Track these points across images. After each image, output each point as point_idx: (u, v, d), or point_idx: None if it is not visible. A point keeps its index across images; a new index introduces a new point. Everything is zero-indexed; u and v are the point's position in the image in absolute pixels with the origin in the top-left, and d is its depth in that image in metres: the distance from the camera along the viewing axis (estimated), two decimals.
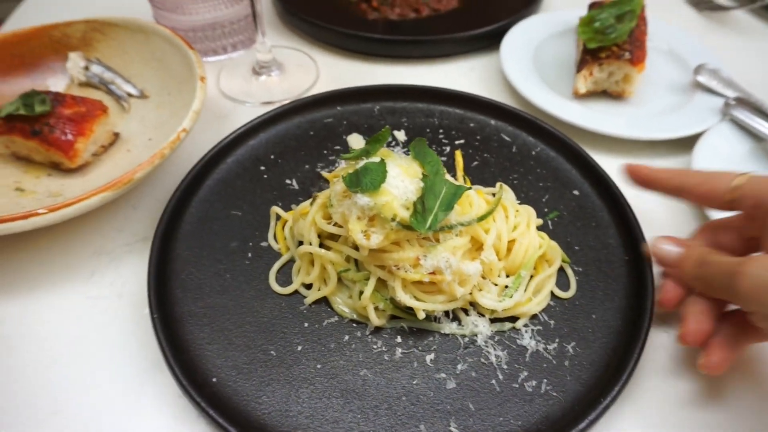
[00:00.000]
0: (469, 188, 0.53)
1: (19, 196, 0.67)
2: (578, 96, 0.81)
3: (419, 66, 0.91)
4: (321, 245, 0.57)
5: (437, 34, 0.90)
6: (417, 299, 0.53)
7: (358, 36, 0.90)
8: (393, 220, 0.50)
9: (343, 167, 0.64)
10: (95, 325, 0.57)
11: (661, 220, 0.68)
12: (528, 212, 0.60)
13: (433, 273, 0.51)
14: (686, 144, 0.74)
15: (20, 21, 1.00)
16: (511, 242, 0.57)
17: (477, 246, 0.56)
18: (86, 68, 0.79)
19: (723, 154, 0.71)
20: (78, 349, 0.55)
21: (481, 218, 0.54)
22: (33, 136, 0.66)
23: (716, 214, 0.62)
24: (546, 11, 0.97)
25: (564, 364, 0.52)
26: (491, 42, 0.92)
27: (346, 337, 0.54)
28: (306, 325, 0.55)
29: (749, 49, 0.94)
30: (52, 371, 0.54)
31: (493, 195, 0.61)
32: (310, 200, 0.60)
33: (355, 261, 0.56)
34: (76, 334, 0.57)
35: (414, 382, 0.51)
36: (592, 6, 0.88)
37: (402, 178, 0.52)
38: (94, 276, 0.62)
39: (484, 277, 0.55)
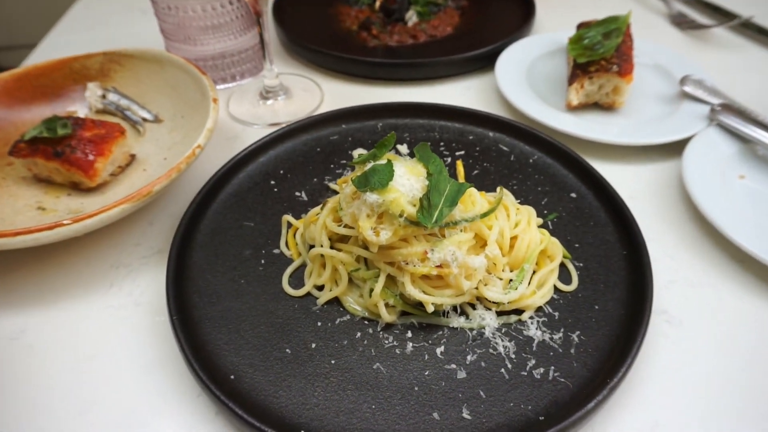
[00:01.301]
0: (470, 185, 0.56)
1: (42, 215, 0.70)
2: (571, 108, 0.84)
3: (419, 87, 0.95)
4: (332, 248, 0.60)
5: (435, 57, 0.95)
6: (426, 294, 0.55)
7: (359, 61, 0.95)
8: (401, 216, 0.52)
9: (351, 173, 0.67)
10: (115, 332, 0.60)
11: (654, 216, 0.70)
12: (528, 211, 0.63)
13: (440, 266, 0.53)
14: (677, 148, 0.77)
15: (41, 56, 1.06)
16: (514, 238, 0.60)
17: (481, 243, 0.58)
18: (103, 96, 0.84)
19: (712, 156, 0.74)
20: (99, 354, 0.57)
21: (484, 215, 0.56)
22: (55, 157, 0.70)
23: (708, 210, 0.65)
24: (537, 33, 1.02)
25: (570, 352, 0.54)
26: (486, 63, 0.96)
27: (359, 334, 0.56)
28: (319, 324, 0.57)
29: (729, 62, 0.98)
30: (75, 375, 0.56)
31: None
32: (320, 206, 0.63)
33: (365, 261, 0.58)
34: (97, 339, 0.59)
35: (426, 374, 0.53)
36: (579, 26, 0.93)
37: (408, 177, 0.55)
38: (113, 287, 0.64)
39: (489, 272, 0.58)
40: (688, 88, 0.84)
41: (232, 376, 0.53)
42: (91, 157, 0.70)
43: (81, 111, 0.84)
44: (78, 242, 0.69)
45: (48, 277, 0.65)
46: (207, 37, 0.89)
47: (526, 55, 0.95)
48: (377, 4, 1.07)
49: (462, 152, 0.77)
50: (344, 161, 0.76)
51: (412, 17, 1.05)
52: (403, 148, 0.77)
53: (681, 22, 1.09)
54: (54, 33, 1.15)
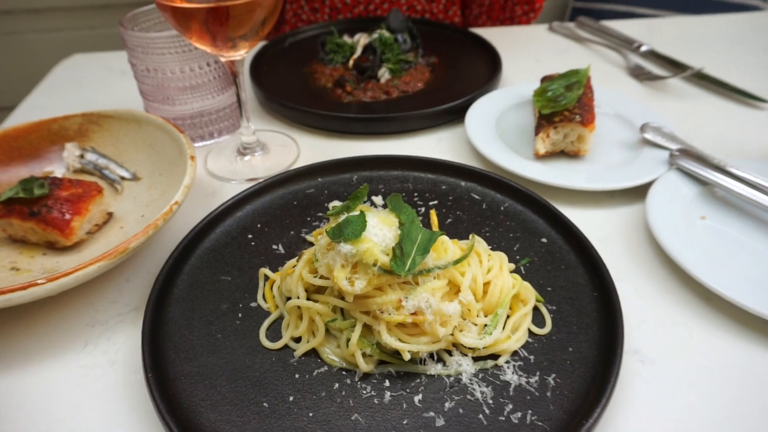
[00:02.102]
0: (442, 233, 0.58)
1: (15, 275, 0.69)
2: (539, 156, 0.88)
3: (392, 141, 0.98)
4: (308, 300, 0.60)
5: (407, 111, 0.98)
6: (402, 341, 0.55)
7: (334, 117, 0.98)
8: (374, 265, 0.54)
9: (325, 225, 0.68)
10: (89, 392, 0.59)
11: (622, 258, 0.72)
12: (500, 257, 0.65)
13: (415, 314, 0.54)
14: (640, 192, 0.81)
15: (20, 117, 1.07)
16: (487, 284, 0.61)
17: (455, 289, 0.59)
18: (81, 156, 0.85)
19: (674, 199, 0.77)
20: (72, 416, 0.56)
21: (456, 262, 0.58)
22: (31, 217, 0.70)
23: (673, 251, 0.68)
24: (504, 86, 1.07)
25: (546, 395, 0.54)
26: (456, 116, 1.00)
27: (336, 385, 0.56)
28: (297, 376, 0.57)
29: (685, 110, 1.04)
30: None
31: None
32: (296, 258, 0.64)
33: (341, 311, 0.59)
34: (70, 401, 0.58)
35: (404, 422, 0.53)
36: (543, 79, 0.98)
37: (381, 227, 0.56)
38: (87, 346, 0.64)
39: (464, 318, 0.59)
40: (648, 135, 0.89)
41: None
42: (67, 216, 0.70)
43: (59, 171, 0.85)
44: (53, 301, 0.68)
45: (20, 337, 0.64)
46: (185, 97, 0.92)
47: (494, 108, 1.00)
48: (351, 62, 1.12)
49: (435, 202, 0.79)
50: (320, 214, 0.78)
51: (384, 74, 1.09)
52: (378, 200, 0.79)
53: (639, 74, 1.16)
54: (34, 94, 1.18)
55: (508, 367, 0.57)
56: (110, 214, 0.78)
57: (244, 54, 0.81)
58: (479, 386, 0.55)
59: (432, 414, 0.53)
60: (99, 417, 0.56)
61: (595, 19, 1.42)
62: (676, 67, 1.17)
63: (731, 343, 0.62)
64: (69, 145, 0.86)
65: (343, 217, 0.58)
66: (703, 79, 1.12)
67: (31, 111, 1.11)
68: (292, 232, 0.75)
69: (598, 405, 0.51)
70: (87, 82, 1.21)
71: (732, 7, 2.07)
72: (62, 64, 1.30)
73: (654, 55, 1.22)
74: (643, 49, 1.25)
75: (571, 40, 1.34)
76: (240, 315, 0.64)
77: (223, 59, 0.81)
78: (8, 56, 2.41)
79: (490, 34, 1.33)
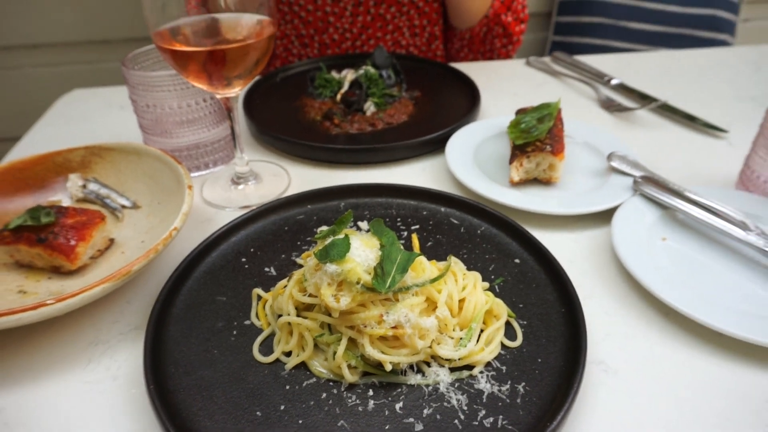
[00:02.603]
0: (420, 254, 0.64)
1: (23, 297, 0.74)
2: (514, 184, 0.94)
3: (378, 170, 1.04)
4: (298, 317, 0.65)
5: (391, 142, 1.05)
6: (384, 354, 0.60)
7: (323, 147, 1.04)
8: (358, 283, 0.59)
9: (314, 248, 0.74)
10: (93, 406, 0.63)
11: (590, 277, 0.78)
12: (474, 276, 0.70)
13: (395, 327, 0.59)
14: (606, 216, 0.87)
15: (24, 149, 1.12)
16: (462, 301, 0.66)
17: (432, 306, 0.65)
18: (84, 186, 0.90)
19: (637, 222, 0.83)
20: (77, 428, 0.60)
21: (434, 280, 0.63)
22: (38, 244, 0.75)
23: (636, 270, 0.73)
24: (482, 119, 1.14)
25: (517, 402, 0.59)
26: (437, 146, 1.07)
27: (324, 395, 0.61)
28: (287, 387, 0.62)
29: (650, 138, 1.11)
30: None
31: None
32: (287, 279, 0.69)
33: (329, 326, 0.64)
34: (76, 415, 0.62)
35: (386, 428, 0.57)
36: (518, 112, 1.05)
37: (363, 249, 0.62)
38: (91, 363, 0.68)
39: (441, 332, 0.64)
40: (614, 163, 0.96)
41: None
42: (72, 242, 0.75)
43: (63, 200, 0.90)
44: (57, 322, 0.72)
45: (27, 357, 0.69)
46: (182, 130, 0.98)
47: (473, 138, 1.06)
48: (338, 96, 1.19)
49: (417, 226, 0.85)
50: (310, 238, 0.83)
51: (370, 107, 1.16)
52: (364, 225, 0.85)
53: (609, 106, 1.23)
54: (36, 127, 1.23)
55: (482, 377, 0.62)
56: (112, 240, 0.83)
57: (238, 91, 0.87)
58: (455, 394, 0.60)
59: (412, 420, 0.58)
60: (102, 428, 0.60)
61: (573, 52, 1.51)
62: (643, 99, 1.25)
63: (689, 355, 0.67)
64: (72, 176, 0.91)
65: (329, 240, 0.63)
66: (669, 111, 1.19)
67: (34, 143, 1.16)
68: (283, 256, 0.80)
69: (562, 408, 0.56)
70: (87, 116, 1.27)
71: (703, 42, 2.18)
72: (63, 99, 1.36)
73: (624, 88, 1.31)
74: (614, 82, 1.33)
75: (547, 73, 1.42)
76: (234, 332, 0.68)
77: (218, 96, 0.87)
78: (9, 90, 2.47)
79: (471, 68, 1.42)
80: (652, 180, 0.89)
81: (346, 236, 0.62)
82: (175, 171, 0.85)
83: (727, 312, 0.68)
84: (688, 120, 1.16)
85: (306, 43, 1.54)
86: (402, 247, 0.65)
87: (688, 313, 0.68)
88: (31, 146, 1.15)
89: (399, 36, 1.54)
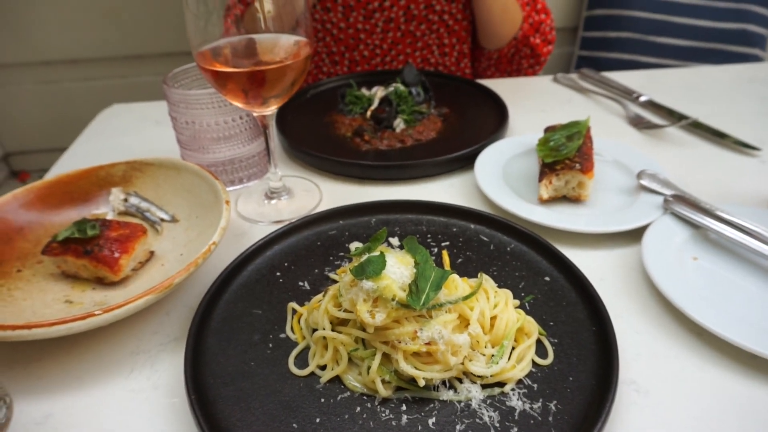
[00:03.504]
0: (453, 272, 0.65)
1: (69, 307, 0.77)
2: (542, 201, 0.95)
3: (407, 186, 1.06)
4: (333, 331, 0.67)
5: (421, 159, 1.07)
6: (417, 369, 0.62)
7: (353, 164, 1.07)
8: (393, 300, 0.61)
9: (349, 264, 0.76)
10: (135, 414, 0.65)
11: (620, 296, 0.78)
12: (506, 294, 0.71)
13: (428, 344, 0.61)
14: (637, 234, 0.87)
15: (66, 164, 1.17)
16: (493, 318, 0.67)
17: (465, 322, 0.66)
18: (125, 200, 0.94)
19: (668, 241, 0.83)
20: None
21: (466, 297, 0.65)
22: (84, 255, 0.78)
23: (667, 289, 0.73)
24: (511, 136, 1.16)
25: (548, 420, 0.60)
26: (466, 163, 1.08)
27: (358, 409, 0.62)
28: (323, 400, 0.64)
29: (681, 157, 1.11)
30: None
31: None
32: (322, 294, 0.71)
33: (363, 341, 0.65)
34: (119, 420, 0.64)
35: None
36: (547, 129, 1.06)
37: (398, 266, 0.63)
38: (133, 372, 0.71)
39: (473, 349, 0.65)
40: (644, 182, 0.96)
41: None
42: (116, 255, 0.78)
43: (106, 213, 0.94)
44: (101, 332, 0.75)
45: (72, 365, 0.72)
46: (219, 146, 1.01)
47: (501, 155, 1.08)
48: (368, 113, 1.21)
49: (447, 243, 0.86)
50: (342, 253, 0.85)
51: (399, 124, 1.18)
52: (395, 241, 0.87)
53: (638, 123, 1.24)
54: (79, 141, 1.28)
55: (513, 394, 0.63)
56: (152, 253, 0.86)
57: (274, 109, 0.90)
58: (487, 411, 0.61)
59: None
60: None
61: (600, 68, 1.52)
62: (673, 116, 1.25)
63: (720, 376, 0.67)
64: (115, 189, 0.95)
65: (365, 257, 0.65)
66: (699, 128, 1.19)
67: (76, 157, 1.21)
68: (316, 270, 0.82)
69: (594, 428, 0.56)
70: (125, 130, 1.32)
71: (734, 57, 2.16)
72: (103, 113, 1.41)
73: (653, 105, 1.31)
74: (642, 99, 1.33)
75: (574, 90, 1.43)
76: (270, 345, 0.70)
77: (255, 114, 0.90)
78: (49, 103, 2.56)
79: (498, 85, 1.43)
80: (682, 199, 0.89)
81: (382, 253, 0.64)
82: (213, 186, 0.88)
83: (762, 333, 0.68)
84: (719, 137, 1.15)
85: (336, 60, 1.57)
86: (434, 264, 0.67)
87: (721, 333, 0.67)
88: (74, 159, 1.20)
89: (428, 53, 1.56)
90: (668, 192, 0.93)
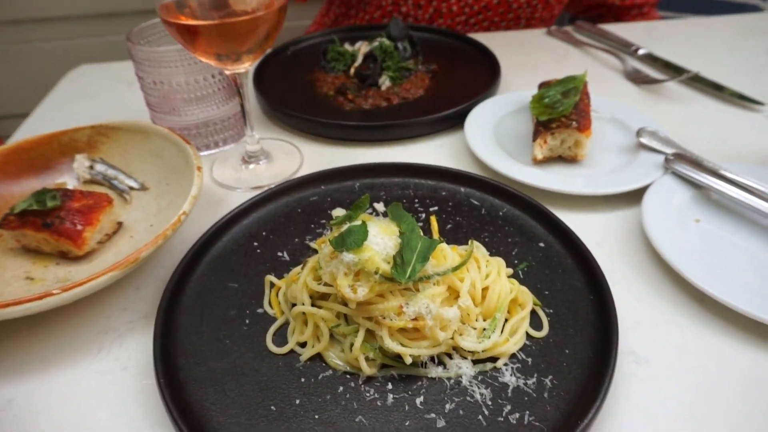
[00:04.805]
0: (442, 242, 0.60)
1: (30, 284, 0.72)
2: (537, 162, 0.90)
3: (393, 147, 1.00)
4: (313, 306, 0.62)
5: (407, 118, 1.00)
6: (403, 346, 0.58)
7: (336, 124, 1.00)
8: (376, 273, 0.56)
9: (329, 234, 0.71)
10: (103, 396, 0.61)
11: (618, 262, 0.74)
12: (498, 262, 0.67)
13: (415, 319, 0.56)
14: (636, 196, 0.82)
15: (29, 130, 1.10)
16: (485, 289, 0.63)
17: (454, 295, 0.61)
18: (91, 167, 0.87)
19: (669, 203, 0.79)
20: (87, 420, 0.58)
21: (455, 268, 0.60)
22: (44, 228, 0.72)
23: (668, 254, 0.69)
24: (502, 93, 1.09)
25: (543, 396, 0.56)
26: (456, 122, 1.02)
27: (341, 388, 0.58)
28: (302, 380, 0.59)
29: (681, 113, 1.06)
30: None
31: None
32: (301, 266, 0.66)
33: (345, 316, 0.61)
34: (86, 405, 0.60)
35: (406, 424, 0.55)
36: (541, 86, 0.99)
37: (381, 236, 0.58)
38: (101, 352, 0.66)
39: (463, 323, 0.61)
40: (644, 140, 0.90)
41: None
42: (79, 227, 0.73)
43: (69, 182, 0.88)
44: (66, 310, 0.70)
45: (35, 346, 0.67)
46: (191, 107, 0.94)
47: (493, 114, 1.02)
48: (352, 70, 1.14)
49: (435, 208, 0.81)
50: (324, 221, 0.80)
51: (385, 82, 1.11)
52: (380, 206, 0.82)
53: (636, 78, 1.17)
54: (43, 105, 1.20)
55: (506, 370, 0.59)
56: (120, 224, 0.80)
57: (248, 67, 0.83)
58: (478, 388, 0.57)
59: (433, 415, 0.55)
60: (113, 420, 0.58)
61: (596, 21, 1.44)
62: (673, 70, 1.19)
63: (723, 344, 0.64)
64: (79, 156, 0.88)
65: (345, 226, 0.60)
66: (700, 82, 1.13)
67: (40, 122, 1.14)
68: (296, 240, 0.77)
69: (593, 405, 0.53)
70: (94, 93, 1.24)
71: (733, 8, 2.08)
72: (69, 75, 1.33)
73: (651, 59, 1.24)
74: (641, 52, 1.26)
75: (569, 44, 1.35)
76: (247, 321, 0.66)
77: (227, 72, 0.83)
78: (20, 65, 2.44)
79: (490, 39, 1.35)
80: (684, 157, 0.84)
81: (364, 223, 0.59)
82: (184, 151, 0.82)
83: (766, 298, 0.64)
84: (721, 92, 1.10)
85: (421, 5, 1.44)
86: (421, 232, 0.62)
87: (724, 299, 0.64)
88: (37, 125, 1.12)
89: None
90: (669, 150, 0.88)
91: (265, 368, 0.61)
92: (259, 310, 0.67)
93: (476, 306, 0.62)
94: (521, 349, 0.61)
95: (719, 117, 1.05)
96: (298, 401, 0.57)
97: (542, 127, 0.89)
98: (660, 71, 1.21)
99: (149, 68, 0.90)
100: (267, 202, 0.82)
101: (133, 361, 0.65)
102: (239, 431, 0.54)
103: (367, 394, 0.58)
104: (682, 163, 0.83)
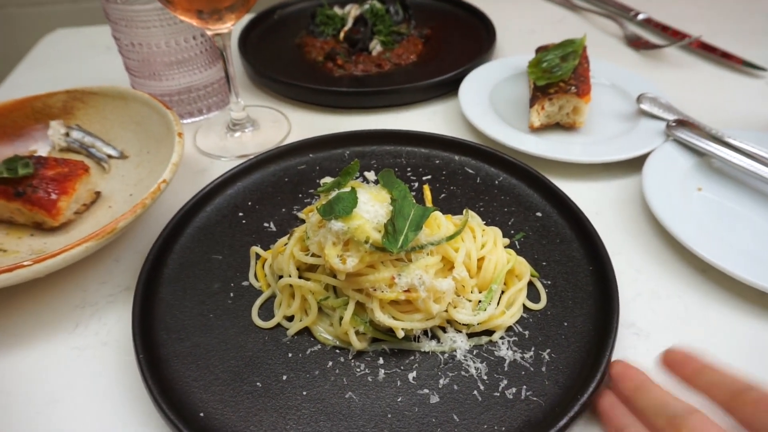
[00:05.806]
0: (435, 209, 0.57)
1: (2, 256, 0.68)
2: (534, 129, 0.86)
3: (385, 115, 0.96)
4: (300, 278, 0.59)
5: (400, 84, 0.96)
6: (395, 319, 0.55)
7: (325, 91, 0.96)
8: (366, 242, 0.53)
9: (317, 202, 0.67)
10: (81, 373, 0.58)
11: (618, 231, 0.72)
12: (494, 232, 0.64)
13: (408, 291, 0.54)
14: (636, 164, 0.79)
15: (2, 96, 1.04)
16: (481, 260, 0.60)
17: (449, 266, 0.59)
18: (67, 134, 0.83)
19: (670, 170, 0.76)
20: (65, 397, 0.56)
21: (450, 238, 0.57)
22: (16, 198, 0.68)
23: (669, 223, 0.67)
24: (498, 58, 1.05)
25: (541, 370, 0.54)
26: (450, 88, 0.98)
27: (330, 363, 0.56)
28: (290, 355, 0.57)
29: (682, 79, 1.02)
30: (39, 421, 0.54)
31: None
32: (288, 236, 0.63)
33: (334, 288, 0.58)
34: (63, 383, 0.57)
35: (398, 400, 0.52)
36: (538, 50, 0.95)
37: (372, 203, 0.55)
38: (78, 327, 0.63)
39: (458, 294, 0.58)
40: (645, 106, 0.87)
41: (201, 414, 0.51)
42: (53, 196, 0.69)
43: (44, 150, 0.83)
44: (41, 283, 0.67)
45: (9, 320, 0.64)
46: (172, 72, 0.90)
47: (488, 80, 0.98)
48: (341, 34, 1.09)
49: (429, 176, 0.78)
50: (312, 190, 0.76)
51: (376, 46, 1.07)
52: (371, 175, 0.78)
53: (635, 43, 1.13)
54: (17, 71, 1.15)
55: (502, 343, 0.57)
56: (98, 194, 0.76)
57: (230, 27, 0.78)
58: (474, 362, 0.55)
59: (426, 391, 0.53)
60: (91, 398, 0.56)
61: None
62: (673, 35, 1.15)
63: (726, 315, 0.62)
64: (54, 123, 0.84)
65: (333, 193, 0.56)
66: (702, 48, 1.09)
67: (15, 88, 1.08)
68: (283, 210, 0.74)
69: (593, 379, 0.51)
70: (71, 58, 1.19)
71: None
72: (45, 40, 1.27)
73: (651, 23, 1.20)
74: (641, 16, 1.22)
75: (566, 8, 1.31)
76: (232, 294, 0.63)
77: (209, 32, 0.79)
78: None
79: (484, 3, 1.30)
80: (686, 124, 0.81)
81: (353, 189, 0.55)
82: (165, 117, 0.78)
83: None
84: (723, 58, 1.06)
85: None
86: (414, 200, 0.59)
87: (727, 268, 0.62)
88: (11, 92, 1.07)
89: None
90: (670, 117, 0.85)
91: (251, 343, 0.58)
92: (244, 283, 0.64)
93: (471, 277, 0.59)
94: (518, 322, 0.59)
95: (721, 83, 1.01)
96: (285, 377, 0.55)
97: (540, 92, 0.85)
98: (660, 36, 1.17)
99: (126, 28, 0.85)
100: (253, 170, 0.78)
101: (113, 336, 0.62)
102: (223, 409, 0.52)
103: (358, 370, 0.55)
104: (683, 129, 0.80)
